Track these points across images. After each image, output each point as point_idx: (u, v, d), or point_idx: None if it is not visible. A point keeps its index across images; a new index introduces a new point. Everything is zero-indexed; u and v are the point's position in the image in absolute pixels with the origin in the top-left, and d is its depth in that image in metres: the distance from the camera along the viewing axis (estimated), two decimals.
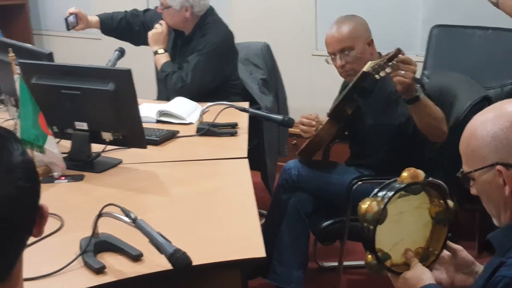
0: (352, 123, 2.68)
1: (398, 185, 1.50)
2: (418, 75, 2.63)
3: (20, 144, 1.01)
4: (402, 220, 1.53)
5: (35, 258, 1.38)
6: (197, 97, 3.01)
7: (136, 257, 1.63)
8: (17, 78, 2.18)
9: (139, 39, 3.38)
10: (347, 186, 2.50)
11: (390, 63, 2.25)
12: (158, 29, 3.18)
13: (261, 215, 2.42)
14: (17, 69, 2.25)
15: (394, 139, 2.56)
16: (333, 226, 2.61)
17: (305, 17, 4.07)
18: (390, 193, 1.48)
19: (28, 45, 2.77)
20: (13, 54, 2.30)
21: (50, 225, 1.57)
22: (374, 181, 2.41)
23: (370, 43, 2.60)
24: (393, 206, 1.49)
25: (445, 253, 1.59)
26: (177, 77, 3.08)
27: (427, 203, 1.57)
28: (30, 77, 2.27)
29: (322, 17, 4.00)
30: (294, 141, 4.00)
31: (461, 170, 1.42)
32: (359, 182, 2.49)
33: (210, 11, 3.20)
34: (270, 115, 2.74)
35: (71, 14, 3.23)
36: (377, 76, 2.30)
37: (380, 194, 1.51)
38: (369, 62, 2.36)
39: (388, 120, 2.55)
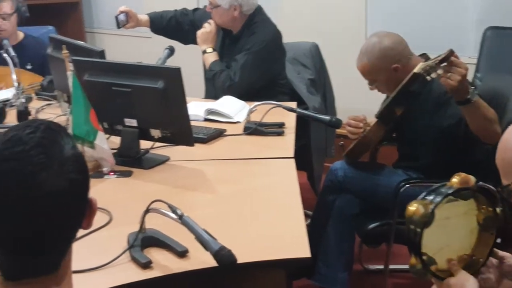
0: (400, 125, 2.65)
1: (447, 190, 1.48)
2: (470, 78, 2.58)
3: (71, 139, 1.03)
4: (449, 225, 1.50)
5: (84, 251, 1.40)
6: (245, 96, 3.02)
7: (182, 253, 1.64)
8: (70, 74, 2.23)
9: (188, 38, 3.41)
10: (394, 189, 2.47)
11: (442, 65, 2.21)
12: (207, 28, 3.20)
13: (306, 216, 2.41)
14: (70, 66, 2.30)
15: (444, 142, 2.52)
16: (379, 228, 2.58)
17: (355, 17, 4.03)
18: (439, 198, 1.46)
19: (81, 43, 2.83)
20: (67, 52, 2.35)
21: (98, 219, 1.60)
22: (423, 184, 2.38)
23: (397, 69, 2.53)
24: (440, 210, 1.47)
25: (492, 258, 1.56)
26: (225, 76, 3.10)
27: (475, 209, 1.54)
28: (83, 74, 2.32)
29: (372, 17, 3.96)
30: (341, 142, 3.97)
31: (502, 184, 1.38)
32: (407, 185, 2.46)
33: (259, 10, 3.20)
34: (318, 115, 2.73)
35: (121, 12, 3.28)
36: (428, 78, 2.27)
37: (428, 197, 1.48)
38: (421, 63, 2.33)
39: (438, 122, 2.51)
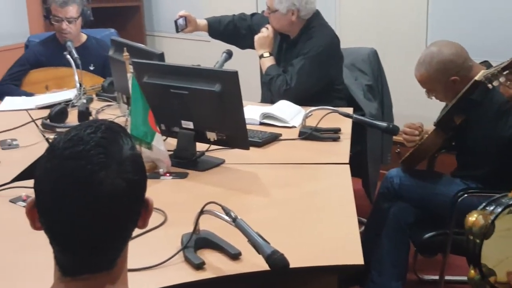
0: (460, 133, 2.59)
1: (508, 201, 1.44)
2: None
3: (130, 139, 1.05)
4: (509, 237, 1.47)
5: (139, 250, 1.43)
6: (301, 101, 3.02)
7: (235, 256, 1.65)
8: (130, 76, 2.27)
9: (245, 42, 3.43)
10: (452, 198, 2.42)
11: (504, 72, 2.15)
12: (264, 33, 3.21)
13: (360, 223, 2.39)
14: (130, 68, 2.35)
15: (504, 151, 2.45)
16: (435, 238, 2.53)
17: (415, 23, 3.97)
18: (499, 208, 1.43)
19: (141, 45, 2.88)
20: (127, 54, 2.40)
21: (154, 219, 1.63)
22: (482, 194, 2.32)
23: (455, 81, 2.48)
24: (501, 221, 1.44)
25: None
26: (281, 81, 3.10)
27: None
28: (142, 76, 2.36)
29: (433, 23, 3.89)
30: (398, 149, 3.91)
31: None
32: (465, 195, 2.40)
33: (316, 15, 3.19)
34: (374, 121, 2.70)
35: (180, 17, 3.32)
36: (489, 86, 2.21)
37: (488, 208, 1.45)
38: (482, 71, 2.28)
39: (499, 131, 2.44)
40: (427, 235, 2.53)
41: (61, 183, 0.97)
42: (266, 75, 3.17)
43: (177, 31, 3.33)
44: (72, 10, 3.52)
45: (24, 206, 2.00)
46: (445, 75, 2.48)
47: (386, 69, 3.56)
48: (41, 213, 1.01)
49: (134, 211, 1.04)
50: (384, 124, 2.61)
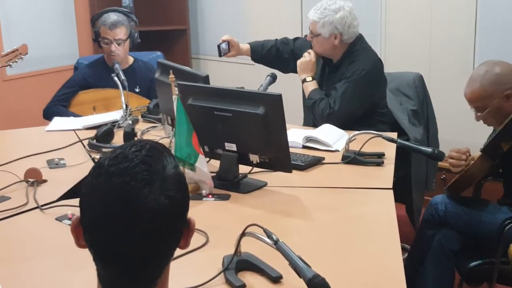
0: (507, 160, 2.53)
1: None
2: None
3: (173, 158, 1.07)
4: None
5: (181, 270, 1.43)
6: (344, 125, 3.00)
7: (276, 279, 1.64)
8: (175, 98, 2.30)
9: (288, 66, 3.44)
10: (499, 227, 2.36)
11: None
12: (307, 58, 3.22)
13: (403, 249, 2.35)
14: (175, 90, 2.38)
15: None
16: (481, 266, 2.47)
17: (462, 48, 3.92)
18: None
19: (187, 68, 2.92)
20: (173, 76, 2.43)
21: (196, 240, 1.63)
22: None
23: (509, 96, 2.44)
24: None
25: None
26: (324, 104, 3.10)
27: None
28: (187, 98, 2.39)
29: (480, 49, 3.84)
30: (443, 176, 3.84)
31: None
32: None
33: (359, 38, 3.18)
34: (419, 147, 2.66)
35: (223, 41, 3.35)
36: None
37: None
38: None
39: None
40: (473, 264, 2.47)
41: (105, 199, 0.99)
42: (309, 99, 3.17)
43: (220, 55, 3.35)
44: (121, 32, 3.60)
45: (69, 224, 2.04)
46: (499, 88, 2.46)
47: (432, 94, 3.53)
48: (86, 229, 1.03)
49: (176, 230, 1.05)
50: (429, 149, 2.58)
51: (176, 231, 1.06)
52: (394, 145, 2.69)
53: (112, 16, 3.61)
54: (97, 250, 1.03)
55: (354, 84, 3.06)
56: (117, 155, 1.03)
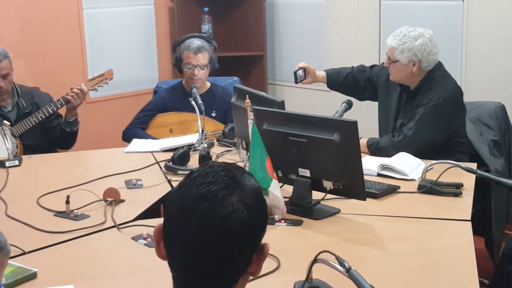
0: None
1: None
2: None
3: (251, 176, 1.13)
4: None
5: None
6: (421, 154, 2.94)
7: None
8: (250, 123, 2.32)
9: (364, 94, 3.41)
10: None
11: None
12: None
13: (482, 284, 2.26)
14: (251, 115, 2.41)
15: None
16: None
17: None
18: None
19: (263, 93, 2.95)
20: (249, 101, 2.46)
21: (267, 265, 1.63)
22: None
23: None
24: None
25: None
26: (386, 138, 3.05)
27: None
28: (262, 122, 2.41)
29: None
30: None
31: None
32: None
33: (438, 66, 3.12)
34: (500, 178, 2.57)
35: (300, 68, 3.37)
36: None
37: None
38: None
39: None
40: None
41: (185, 206, 1.05)
42: (369, 146, 3.09)
43: (296, 82, 3.36)
44: (204, 58, 3.68)
45: (145, 244, 2.09)
46: None
47: None
48: (165, 234, 1.08)
49: (252, 247, 1.07)
50: (510, 181, 2.49)
51: (251, 245, 1.07)
52: (473, 176, 2.61)
53: (196, 42, 3.70)
54: (171, 254, 1.07)
55: (431, 110, 3.00)
56: (204, 169, 1.10)
